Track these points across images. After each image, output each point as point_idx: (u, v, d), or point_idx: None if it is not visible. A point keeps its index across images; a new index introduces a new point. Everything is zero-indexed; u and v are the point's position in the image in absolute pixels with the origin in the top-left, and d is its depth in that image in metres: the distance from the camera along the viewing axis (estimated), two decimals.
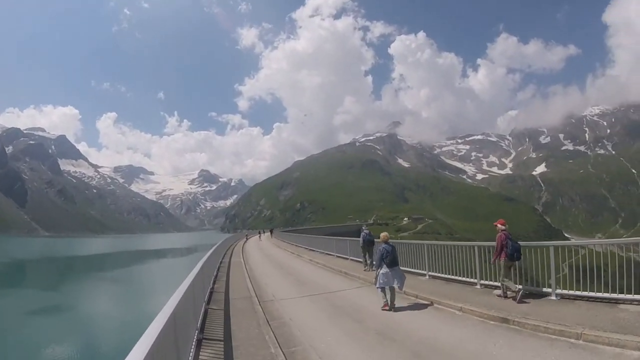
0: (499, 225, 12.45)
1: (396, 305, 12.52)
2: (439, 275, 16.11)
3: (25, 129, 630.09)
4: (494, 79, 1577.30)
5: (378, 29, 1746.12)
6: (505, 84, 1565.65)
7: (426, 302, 13.04)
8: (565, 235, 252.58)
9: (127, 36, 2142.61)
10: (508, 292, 12.07)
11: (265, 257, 36.29)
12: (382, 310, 12.34)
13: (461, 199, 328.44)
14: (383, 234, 13.76)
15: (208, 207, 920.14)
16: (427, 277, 16.66)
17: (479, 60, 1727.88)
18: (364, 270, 20.41)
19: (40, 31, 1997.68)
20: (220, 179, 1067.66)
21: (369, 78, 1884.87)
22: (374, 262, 16.68)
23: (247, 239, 75.46)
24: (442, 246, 16.28)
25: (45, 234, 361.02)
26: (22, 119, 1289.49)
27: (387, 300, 12.52)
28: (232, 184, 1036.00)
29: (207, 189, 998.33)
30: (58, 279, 76.49)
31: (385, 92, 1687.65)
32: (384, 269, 12.65)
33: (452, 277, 15.42)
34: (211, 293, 15.70)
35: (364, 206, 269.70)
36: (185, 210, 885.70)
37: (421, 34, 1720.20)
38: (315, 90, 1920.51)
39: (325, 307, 13.54)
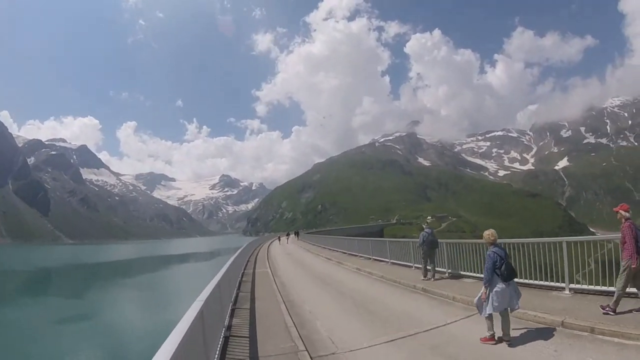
0: (622, 212, 9.27)
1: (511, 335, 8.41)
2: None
3: (47, 140, 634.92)
4: (512, 73, 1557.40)
5: (393, 28, 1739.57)
6: (524, 78, 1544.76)
7: (543, 325, 9.07)
8: (591, 229, 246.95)
9: (143, 46, 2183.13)
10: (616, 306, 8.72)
11: (297, 265, 30.26)
12: (484, 342, 8.40)
13: (484, 196, 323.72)
14: (488, 232, 9.05)
15: (230, 211, 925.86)
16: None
17: (496, 56, 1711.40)
18: (424, 279, 16.36)
19: (57, 45, 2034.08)
20: (241, 184, 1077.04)
21: (386, 78, 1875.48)
22: (430, 268, 16.69)
23: (279, 241, 74.19)
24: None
25: (69, 241, 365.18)
26: (43, 130, 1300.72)
27: (493, 332, 8.47)
28: (253, 187, 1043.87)
29: (229, 193, 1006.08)
30: (83, 286, 75.85)
31: (403, 91, 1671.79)
32: (500, 285, 8.37)
33: (531, 281, 12.50)
34: (225, 341, 9.26)
35: (386, 206, 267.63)
36: (208, 215, 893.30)
37: (436, 32, 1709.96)
38: (333, 93, 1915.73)
39: None
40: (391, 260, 22.71)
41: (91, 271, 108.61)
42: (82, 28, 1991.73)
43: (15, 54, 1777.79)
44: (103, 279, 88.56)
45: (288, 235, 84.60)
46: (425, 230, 17.52)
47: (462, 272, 16.07)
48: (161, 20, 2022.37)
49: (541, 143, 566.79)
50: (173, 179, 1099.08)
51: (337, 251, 35.56)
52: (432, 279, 16.12)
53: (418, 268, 18.58)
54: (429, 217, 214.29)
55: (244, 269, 25.23)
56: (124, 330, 39.23)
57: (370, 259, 26.00)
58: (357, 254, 29.37)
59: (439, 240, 17.30)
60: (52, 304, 53.55)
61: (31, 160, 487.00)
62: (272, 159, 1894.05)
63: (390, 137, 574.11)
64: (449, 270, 16.76)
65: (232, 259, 15.26)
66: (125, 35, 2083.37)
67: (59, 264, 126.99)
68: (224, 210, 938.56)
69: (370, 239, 29.24)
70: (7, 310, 48.91)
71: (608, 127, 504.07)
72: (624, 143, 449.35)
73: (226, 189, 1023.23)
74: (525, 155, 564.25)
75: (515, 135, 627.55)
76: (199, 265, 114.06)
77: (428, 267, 16.79)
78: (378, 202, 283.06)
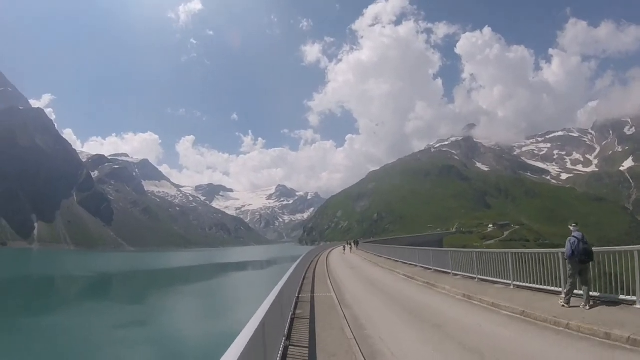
0: None
1: None
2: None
3: (109, 155, 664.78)
4: (568, 69, 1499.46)
5: (441, 29, 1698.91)
6: (581, 73, 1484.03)
7: None
8: None
9: (196, 64, 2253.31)
10: None
11: (368, 284, 23.40)
12: None
13: (546, 201, 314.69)
14: None
15: (286, 221, 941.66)
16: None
17: (550, 51, 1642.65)
18: (562, 304, 11.74)
19: (117, 66, 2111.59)
20: (297, 193, 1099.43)
21: (439, 81, 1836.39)
22: (582, 292, 11.71)
23: (344, 249, 73.45)
24: None
25: (130, 249, 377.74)
26: (106, 146, 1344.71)
27: None
28: (309, 197, 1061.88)
29: (285, 203, 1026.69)
30: (144, 291, 78.46)
31: (456, 93, 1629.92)
32: None
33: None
34: None
35: (443, 214, 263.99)
36: (264, 224, 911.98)
37: (487, 30, 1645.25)
38: (384, 99, 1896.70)
39: None
40: (479, 276, 18.61)
41: (152, 277, 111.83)
42: (138, 50, 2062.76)
43: (77, 76, 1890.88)
44: (163, 285, 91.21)
45: (349, 244, 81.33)
46: (574, 234, 12.03)
47: (620, 296, 11.30)
48: (211, 38, 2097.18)
49: (604, 142, 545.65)
50: (231, 190, 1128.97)
51: (408, 264, 30.03)
52: (587, 307, 11.19)
53: (520, 287, 15.33)
54: (489, 225, 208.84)
55: (299, 292, 19.51)
56: (182, 337, 39.84)
57: (456, 275, 20.93)
58: (431, 267, 24.93)
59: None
60: (114, 309, 55.25)
61: (95, 174, 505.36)
62: (327, 168, 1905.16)
63: (446, 142, 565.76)
64: (596, 293, 11.97)
65: (282, 282, 10.98)
66: (179, 55, 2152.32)
67: (121, 269, 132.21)
68: (281, 220, 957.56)
69: (450, 250, 25.09)
70: (72, 314, 51.10)
71: None
72: None
73: (282, 199, 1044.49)
74: (588, 156, 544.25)
75: (576, 135, 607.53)
76: (255, 274, 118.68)
77: (577, 290, 11.95)
78: (435, 210, 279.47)
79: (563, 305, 11.64)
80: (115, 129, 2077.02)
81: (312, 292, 20.19)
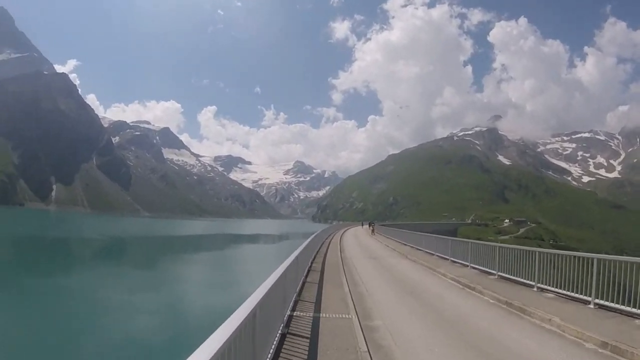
0: None
1: None
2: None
3: (131, 122, 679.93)
4: (603, 69, 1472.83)
5: (476, 16, 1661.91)
6: (616, 75, 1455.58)
7: None
8: None
9: (223, 35, 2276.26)
10: None
11: (406, 294, 15.10)
12: None
13: (565, 202, 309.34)
14: None
15: (301, 197, 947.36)
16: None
17: (586, 49, 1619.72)
18: None
19: (143, 34, 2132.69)
20: (315, 170, 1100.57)
21: (469, 68, 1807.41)
22: None
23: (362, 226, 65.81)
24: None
25: (146, 214, 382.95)
26: (128, 113, 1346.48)
27: None
28: (326, 175, 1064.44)
29: (301, 179, 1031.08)
30: (154, 258, 77.42)
31: (486, 83, 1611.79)
32: None
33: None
34: None
35: (460, 204, 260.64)
36: (279, 199, 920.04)
37: (522, 20, 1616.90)
38: (412, 82, 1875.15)
39: None
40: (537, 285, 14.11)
41: (164, 244, 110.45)
42: (165, 18, 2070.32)
43: (103, 43, 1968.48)
44: (174, 252, 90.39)
45: (369, 225, 74.98)
46: None
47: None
48: (239, 9, 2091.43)
49: (630, 149, 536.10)
50: (249, 163, 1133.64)
51: (450, 260, 22.78)
52: None
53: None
54: (506, 220, 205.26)
55: (292, 310, 10.84)
56: (182, 307, 38.11)
57: (501, 278, 16.60)
58: (468, 263, 20.15)
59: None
60: (120, 274, 54.66)
61: (116, 140, 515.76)
62: (347, 147, 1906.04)
63: (470, 132, 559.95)
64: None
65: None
66: (206, 25, 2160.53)
67: (134, 234, 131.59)
68: (296, 196, 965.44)
69: (498, 245, 18.06)
70: (78, 277, 50.30)
71: None
72: None
73: (299, 175, 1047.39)
74: (612, 161, 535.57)
75: (602, 138, 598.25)
76: (266, 247, 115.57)
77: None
78: (452, 199, 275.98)
79: None
80: (138, 97, 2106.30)
81: (318, 308, 11.64)
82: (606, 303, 11.19)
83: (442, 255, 24.55)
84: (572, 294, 12.48)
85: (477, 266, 19.44)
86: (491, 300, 13.44)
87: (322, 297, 13.20)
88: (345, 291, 14.51)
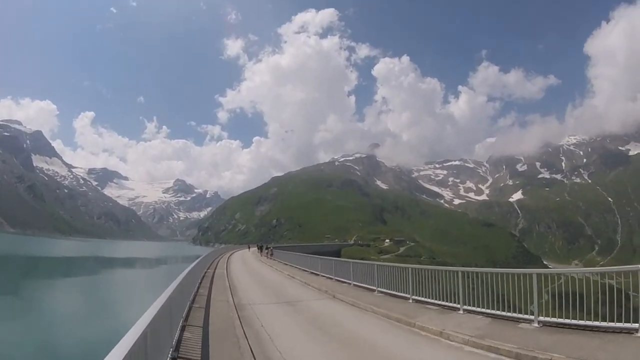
0: None
1: None
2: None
3: (1, 120, 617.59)
4: (474, 106, 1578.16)
5: (363, 50, 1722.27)
6: (485, 111, 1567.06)
7: None
8: (544, 262, 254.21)
9: (111, 36, 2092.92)
10: None
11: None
12: None
13: (440, 222, 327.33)
14: None
15: (181, 218, 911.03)
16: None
17: (460, 87, 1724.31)
18: None
19: (23, 22, 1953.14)
20: (196, 190, 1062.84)
21: (352, 98, 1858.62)
22: None
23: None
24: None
25: (10, 230, 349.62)
26: None
27: None
28: (208, 195, 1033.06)
29: (182, 199, 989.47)
30: (20, 282, 70.38)
31: (367, 113, 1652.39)
32: None
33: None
34: None
35: (342, 225, 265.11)
36: (158, 219, 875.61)
37: (405, 58, 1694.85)
38: (297, 107, 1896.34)
39: None
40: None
41: (31, 265, 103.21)
42: (50, 10, 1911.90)
43: None
44: (41, 277, 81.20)
45: (260, 249, 69.82)
46: None
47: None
48: (134, 10, 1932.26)
49: (497, 175, 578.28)
50: (126, 178, 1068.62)
51: (325, 277, 25.16)
52: None
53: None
54: (387, 240, 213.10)
55: None
56: (59, 332, 35.26)
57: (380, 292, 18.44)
58: (350, 281, 21.75)
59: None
60: None
61: None
62: (230, 167, 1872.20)
63: (350, 158, 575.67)
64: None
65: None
66: (94, 22, 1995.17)
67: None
68: (175, 216, 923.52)
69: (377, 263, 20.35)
70: None
71: (563, 163, 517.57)
72: (578, 180, 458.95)
73: (179, 194, 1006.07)
74: (480, 185, 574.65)
75: (471, 165, 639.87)
76: (145, 273, 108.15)
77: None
78: (334, 220, 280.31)
79: None
80: (11, 92, 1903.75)
81: None
82: (473, 308, 13.52)
83: (330, 276, 26.09)
84: (444, 303, 14.88)
85: (359, 284, 21.57)
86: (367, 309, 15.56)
87: None
88: None
